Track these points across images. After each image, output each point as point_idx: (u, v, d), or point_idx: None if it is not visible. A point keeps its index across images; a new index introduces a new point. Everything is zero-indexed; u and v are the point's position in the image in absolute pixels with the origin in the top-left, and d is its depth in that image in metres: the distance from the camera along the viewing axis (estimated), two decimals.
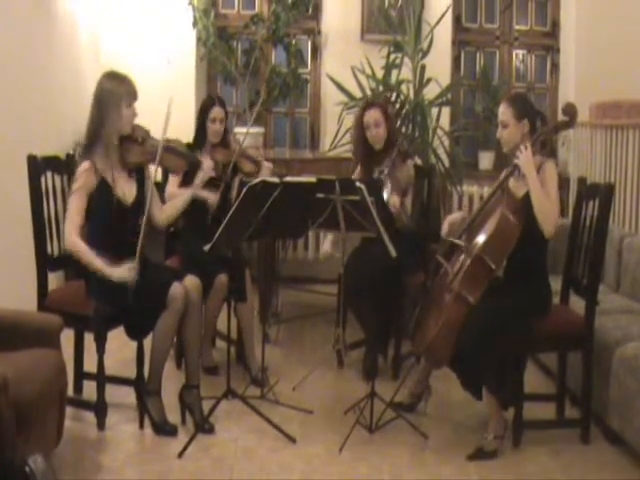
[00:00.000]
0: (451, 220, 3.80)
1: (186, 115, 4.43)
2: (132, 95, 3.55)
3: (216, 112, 4.36)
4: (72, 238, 3.49)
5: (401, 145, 4.53)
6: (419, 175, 4.62)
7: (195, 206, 4.09)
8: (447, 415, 3.95)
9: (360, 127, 4.49)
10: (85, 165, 3.50)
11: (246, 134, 4.49)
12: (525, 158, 3.49)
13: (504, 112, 3.61)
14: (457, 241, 3.61)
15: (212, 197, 4.20)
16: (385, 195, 4.25)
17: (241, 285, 4.25)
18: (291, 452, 3.50)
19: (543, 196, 3.45)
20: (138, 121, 3.65)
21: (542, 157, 3.58)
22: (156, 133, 3.65)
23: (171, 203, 3.95)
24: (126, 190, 3.63)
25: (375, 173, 4.41)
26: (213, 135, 4.38)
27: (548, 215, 3.44)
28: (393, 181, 4.34)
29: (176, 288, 3.54)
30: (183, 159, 3.78)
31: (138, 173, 3.70)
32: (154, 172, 3.64)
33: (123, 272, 3.46)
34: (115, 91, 3.52)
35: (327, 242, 4.68)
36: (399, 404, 3.89)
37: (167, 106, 3.45)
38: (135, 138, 3.60)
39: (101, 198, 3.54)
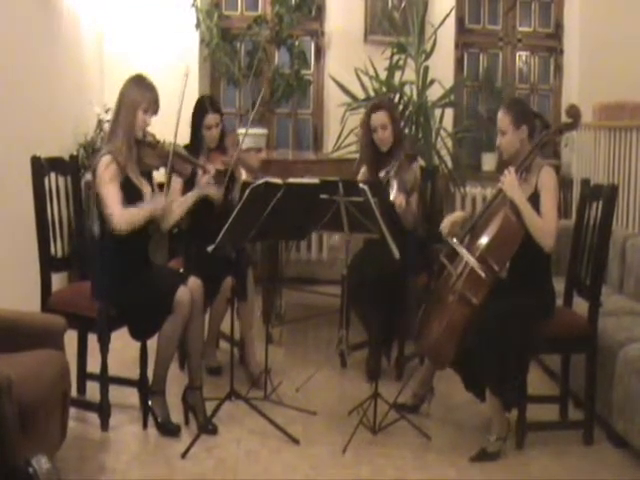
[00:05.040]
0: (452, 219, 3.78)
1: (189, 117, 4.42)
2: (151, 103, 3.59)
3: (210, 119, 4.30)
4: (121, 213, 3.49)
5: (408, 148, 4.52)
6: (422, 177, 4.63)
7: (199, 207, 4.09)
8: (450, 416, 3.95)
9: (367, 130, 4.47)
10: (108, 159, 3.52)
11: (245, 134, 4.49)
12: (509, 183, 3.49)
13: (502, 119, 3.59)
14: (457, 246, 3.57)
15: (216, 193, 4.21)
16: (392, 196, 4.24)
17: (242, 284, 4.24)
18: (294, 453, 3.50)
19: (535, 216, 3.44)
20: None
21: (542, 160, 3.58)
22: (158, 134, 3.69)
23: (178, 203, 3.95)
24: (144, 188, 3.68)
25: (382, 173, 4.39)
26: (209, 141, 4.35)
27: (544, 233, 3.44)
28: (399, 182, 4.31)
29: (183, 292, 3.55)
30: (190, 164, 3.87)
31: (146, 175, 3.74)
32: (166, 175, 3.75)
33: (159, 201, 3.65)
34: (137, 95, 3.57)
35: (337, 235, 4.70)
36: (402, 405, 3.88)
37: (177, 112, 3.57)
38: (149, 142, 3.67)
39: (129, 195, 3.56)
